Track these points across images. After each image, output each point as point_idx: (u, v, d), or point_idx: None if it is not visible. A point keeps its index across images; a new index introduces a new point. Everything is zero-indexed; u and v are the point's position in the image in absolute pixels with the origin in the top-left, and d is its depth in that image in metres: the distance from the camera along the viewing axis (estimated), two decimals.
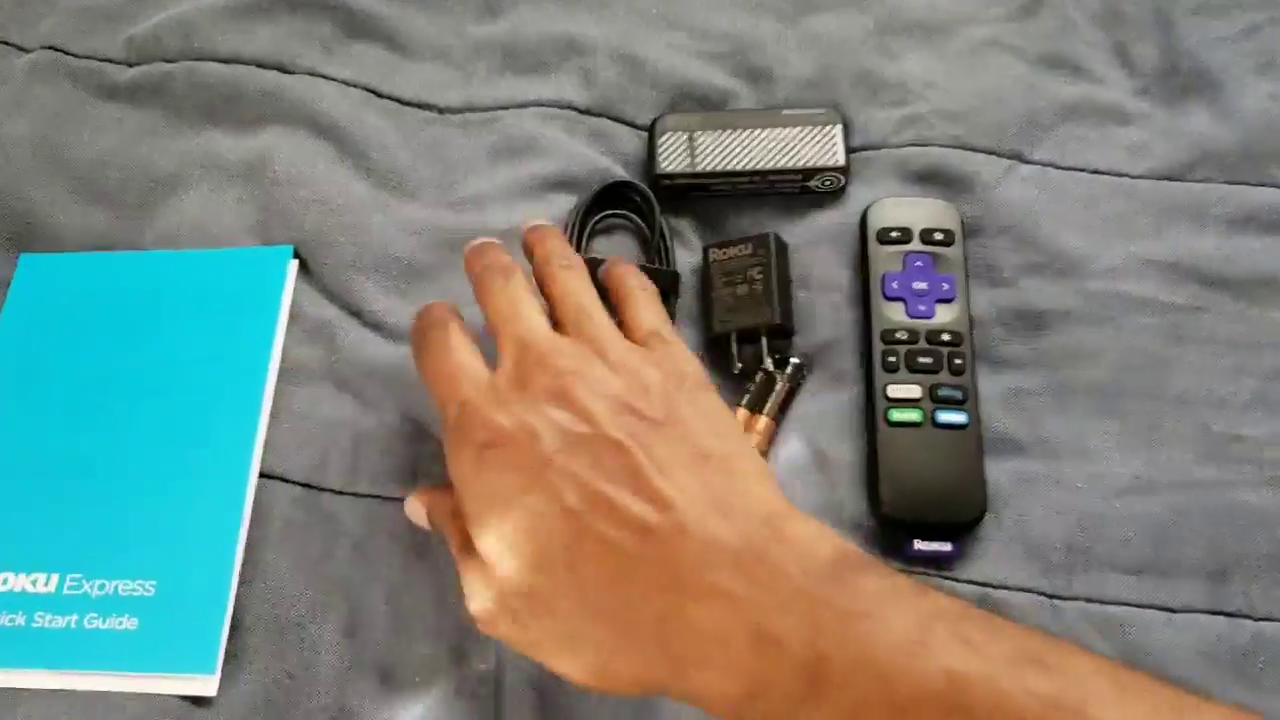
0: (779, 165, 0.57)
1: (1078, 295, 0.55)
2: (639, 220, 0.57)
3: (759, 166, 0.57)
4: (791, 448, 0.52)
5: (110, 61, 0.63)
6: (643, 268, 0.49)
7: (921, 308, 0.53)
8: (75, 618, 0.47)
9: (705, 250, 0.56)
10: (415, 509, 0.46)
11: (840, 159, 0.57)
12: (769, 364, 0.53)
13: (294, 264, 0.56)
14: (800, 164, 0.57)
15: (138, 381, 0.53)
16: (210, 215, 0.58)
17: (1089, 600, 0.49)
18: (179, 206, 0.58)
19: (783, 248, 0.55)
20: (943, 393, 0.51)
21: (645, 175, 0.58)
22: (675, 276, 0.55)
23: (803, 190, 0.58)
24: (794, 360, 0.54)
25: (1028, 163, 0.59)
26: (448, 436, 0.40)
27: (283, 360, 0.54)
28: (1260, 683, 0.47)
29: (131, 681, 0.47)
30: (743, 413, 0.52)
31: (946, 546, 0.49)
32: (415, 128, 0.61)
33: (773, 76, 0.61)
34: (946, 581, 0.49)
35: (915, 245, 0.54)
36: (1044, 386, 0.53)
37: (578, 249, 0.49)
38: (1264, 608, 0.48)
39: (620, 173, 0.59)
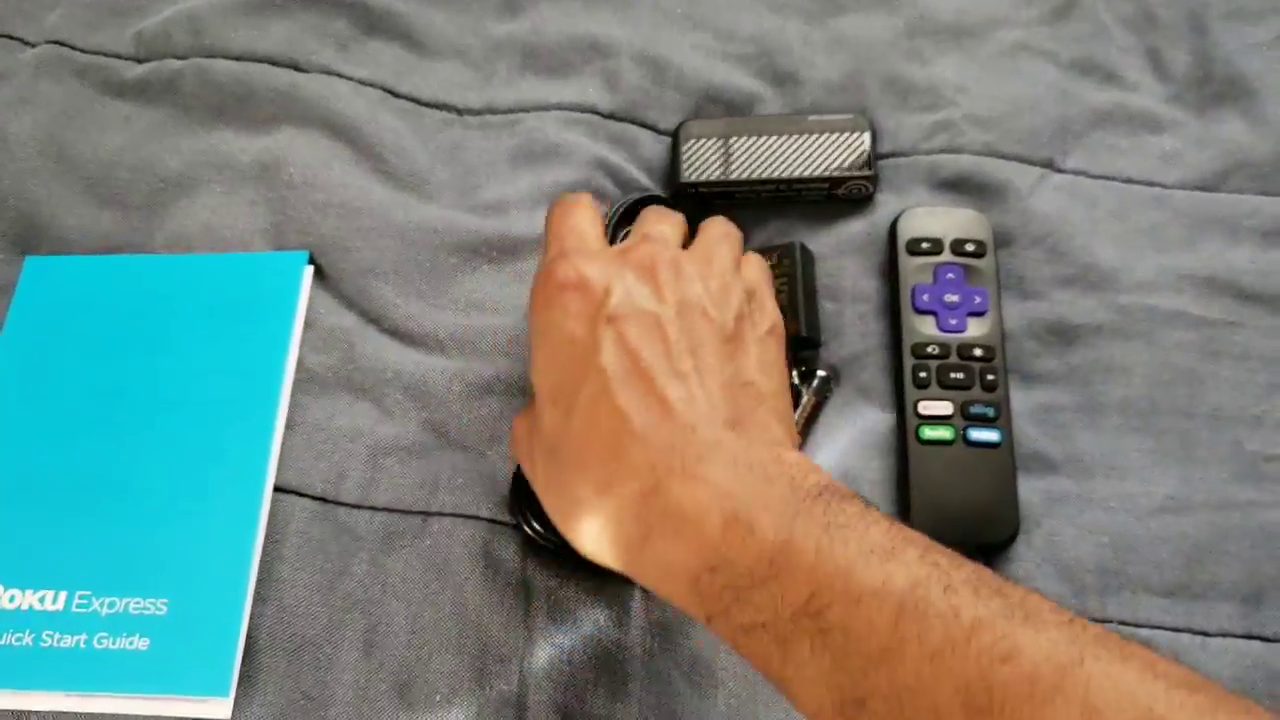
0: (806, 173, 0.56)
1: (1110, 309, 0.54)
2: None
3: (785, 174, 0.56)
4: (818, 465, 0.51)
5: (118, 57, 0.62)
6: None
7: (953, 321, 0.52)
8: (84, 637, 0.46)
9: None
10: None
11: (868, 166, 0.56)
12: (794, 377, 0.52)
13: (309, 269, 0.55)
14: (827, 172, 0.56)
15: (147, 391, 0.52)
16: (222, 218, 0.56)
17: (1121, 623, 0.48)
18: (189, 209, 0.57)
19: (809, 257, 0.54)
20: (975, 410, 0.50)
21: (669, 182, 0.57)
22: None
23: (830, 198, 0.57)
24: (820, 373, 0.52)
25: (1060, 171, 0.58)
26: (537, 275, 0.41)
27: (298, 369, 0.53)
28: None
29: (142, 704, 0.45)
30: None
31: None
32: (433, 129, 0.59)
33: (799, 79, 0.60)
34: None
35: (946, 256, 0.53)
36: (1076, 403, 0.52)
37: None
38: None
39: (645, 181, 0.57)
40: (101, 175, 0.58)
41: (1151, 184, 0.57)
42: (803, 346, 0.53)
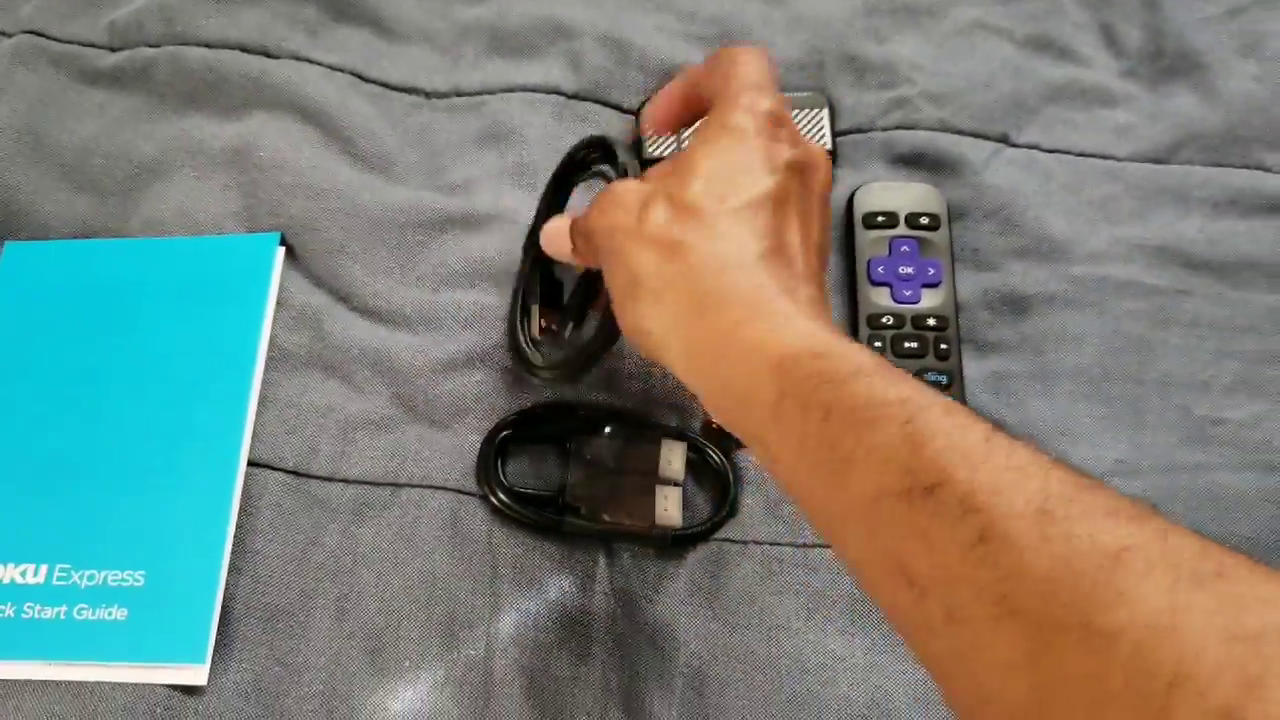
0: None
1: (1062, 279, 0.55)
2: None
3: None
4: None
5: (93, 46, 0.63)
6: None
7: (907, 293, 0.53)
8: (65, 608, 0.47)
9: None
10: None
11: (827, 142, 0.57)
12: None
13: (281, 250, 0.56)
14: None
15: (125, 370, 0.53)
16: (195, 201, 0.58)
17: None
18: (164, 193, 0.58)
19: None
20: (929, 378, 0.51)
21: (631, 160, 0.58)
22: None
23: None
24: None
25: (1014, 145, 0.59)
26: (720, 104, 0.41)
27: (270, 347, 0.54)
28: None
29: (122, 671, 0.47)
30: None
31: None
32: (402, 112, 0.60)
33: None
34: None
35: (901, 230, 0.55)
36: (1029, 371, 0.53)
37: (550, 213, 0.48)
38: None
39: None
40: (78, 162, 0.59)
41: (1104, 157, 0.59)
42: None
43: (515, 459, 0.52)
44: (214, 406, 0.52)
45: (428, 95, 0.61)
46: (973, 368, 0.53)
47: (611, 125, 0.60)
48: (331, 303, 0.55)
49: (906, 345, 0.52)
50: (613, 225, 0.39)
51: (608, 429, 0.51)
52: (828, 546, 0.49)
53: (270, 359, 0.54)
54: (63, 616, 0.47)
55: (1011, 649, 0.26)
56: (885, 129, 0.59)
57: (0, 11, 0.64)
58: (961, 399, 0.51)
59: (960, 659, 0.27)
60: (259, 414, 0.52)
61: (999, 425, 0.33)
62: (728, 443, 0.51)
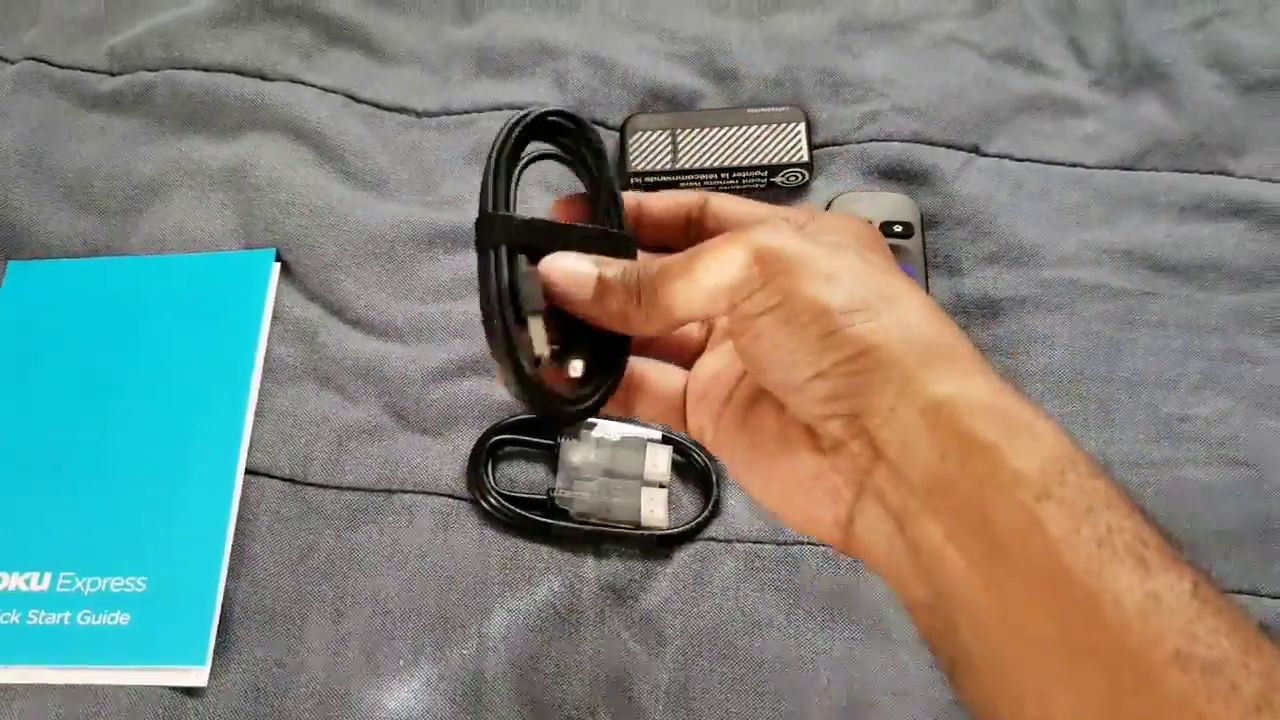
0: (746, 162, 0.59)
1: (1033, 283, 0.57)
2: (580, 170, 0.39)
3: (726, 164, 0.59)
4: None
5: (93, 71, 0.65)
6: (590, 231, 0.37)
7: None
8: (68, 614, 0.49)
9: None
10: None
11: (804, 155, 0.59)
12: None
13: (276, 266, 0.58)
14: (766, 161, 0.59)
15: (126, 383, 0.55)
16: (194, 220, 0.59)
17: None
18: (163, 212, 0.60)
19: None
20: None
21: (617, 175, 0.60)
22: (631, 242, 0.37)
23: (769, 185, 0.60)
24: None
25: (985, 155, 0.61)
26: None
27: (266, 360, 0.56)
28: None
29: (124, 675, 0.48)
30: None
31: None
32: (393, 131, 0.62)
33: (739, 76, 0.63)
34: None
35: None
36: (1001, 371, 0.54)
37: (505, 202, 0.36)
38: None
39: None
40: (79, 183, 0.61)
41: (1074, 165, 0.61)
42: None
43: (505, 463, 0.54)
44: (212, 417, 0.54)
45: (418, 114, 0.63)
46: None
47: None
48: (325, 316, 0.57)
49: None
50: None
51: (595, 434, 0.53)
52: (809, 543, 0.51)
53: (266, 371, 0.55)
54: (66, 622, 0.49)
55: None
56: (860, 141, 0.61)
57: (3, 38, 0.66)
58: None
59: None
60: (256, 424, 0.54)
61: None
62: None
